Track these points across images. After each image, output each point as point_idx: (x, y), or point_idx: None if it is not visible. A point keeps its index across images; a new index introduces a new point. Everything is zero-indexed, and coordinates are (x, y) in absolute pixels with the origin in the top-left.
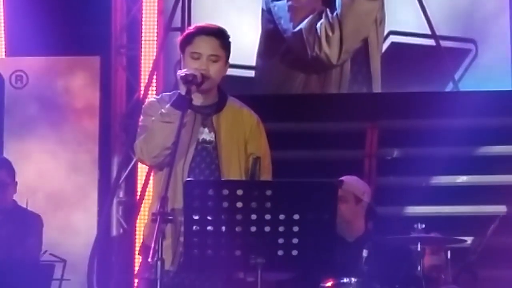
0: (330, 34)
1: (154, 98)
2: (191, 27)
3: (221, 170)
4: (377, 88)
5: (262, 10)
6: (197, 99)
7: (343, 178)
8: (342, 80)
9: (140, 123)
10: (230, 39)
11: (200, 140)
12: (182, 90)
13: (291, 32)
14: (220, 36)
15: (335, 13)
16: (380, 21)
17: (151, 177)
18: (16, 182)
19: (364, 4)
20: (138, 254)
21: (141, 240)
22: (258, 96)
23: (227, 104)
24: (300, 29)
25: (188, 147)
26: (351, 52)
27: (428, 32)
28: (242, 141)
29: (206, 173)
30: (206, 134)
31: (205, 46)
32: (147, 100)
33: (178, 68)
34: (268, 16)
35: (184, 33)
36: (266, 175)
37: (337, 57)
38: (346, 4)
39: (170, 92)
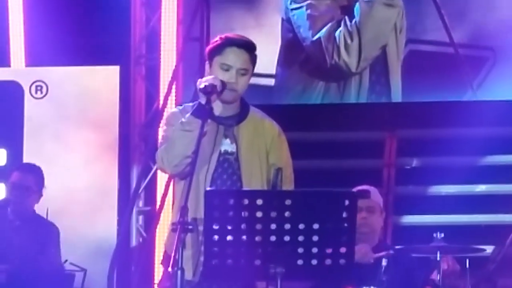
0: (349, 42)
1: (177, 108)
2: (221, 37)
3: (242, 181)
4: (396, 97)
5: (282, 19)
6: (219, 110)
7: (366, 187)
8: (360, 89)
9: (162, 133)
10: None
11: (222, 151)
12: (202, 99)
13: (310, 41)
14: (251, 49)
15: (353, 21)
16: (400, 29)
17: (171, 187)
18: (41, 194)
19: (382, 11)
20: (161, 263)
21: (161, 250)
22: (277, 106)
23: (249, 115)
24: (319, 38)
25: (210, 158)
26: (370, 60)
27: (447, 40)
28: (263, 152)
29: (227, 184)
30: (228, 145)
31: (236, 59)
32: (170, 111)
33: (199, 78)
34: (287, 25)
35: (214, 42)
36: (288, 185)
37: (356, 65)
38: (365, 11)
39: (190, 101)
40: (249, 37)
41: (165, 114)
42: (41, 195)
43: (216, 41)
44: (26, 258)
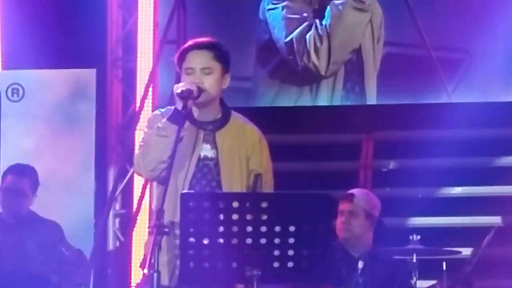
0: (319, 45)
1: (159, 111)
2: (186, 44)
3: (222, 187)
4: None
5: (259, 20)
6: (201, 115)
7: (354, 191)
8: (333, 97)
9: (143, 136)
10: (225, 51)
11: (201, 156)
12: (179, 105)
13: (283, 42)
14: (212, 48)
15: (324, 25)
16: (377, 39)
17: (147, 190)
18: (36, 195)
19: (353, 15)
20: (139, 266)
21: (138, 253)
22: (253, 108)
23: (230, 120)
24: (292, 39)
25: (189, 163)
26: (340, 64)
27: (421, 42)
28: (244, 158)
29: (206, 190)
30: (207, 151)
31: (197, 60)
32: (153, 113)
33: (176, 81)
34: (264, 26)
35: (179, 51)
36: (267, 191)
37: (325, 68)
38: (335, 15)
39: (167, 104)
40: (226, 41)
41: (142, 117)
42: (34, 196)
43: (180, 49)
44: (23, 258)
